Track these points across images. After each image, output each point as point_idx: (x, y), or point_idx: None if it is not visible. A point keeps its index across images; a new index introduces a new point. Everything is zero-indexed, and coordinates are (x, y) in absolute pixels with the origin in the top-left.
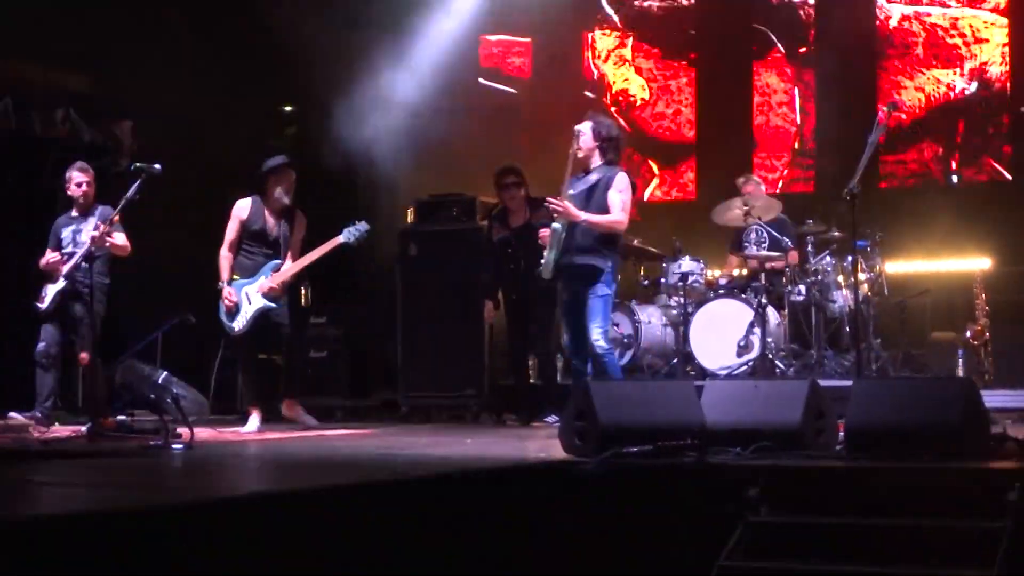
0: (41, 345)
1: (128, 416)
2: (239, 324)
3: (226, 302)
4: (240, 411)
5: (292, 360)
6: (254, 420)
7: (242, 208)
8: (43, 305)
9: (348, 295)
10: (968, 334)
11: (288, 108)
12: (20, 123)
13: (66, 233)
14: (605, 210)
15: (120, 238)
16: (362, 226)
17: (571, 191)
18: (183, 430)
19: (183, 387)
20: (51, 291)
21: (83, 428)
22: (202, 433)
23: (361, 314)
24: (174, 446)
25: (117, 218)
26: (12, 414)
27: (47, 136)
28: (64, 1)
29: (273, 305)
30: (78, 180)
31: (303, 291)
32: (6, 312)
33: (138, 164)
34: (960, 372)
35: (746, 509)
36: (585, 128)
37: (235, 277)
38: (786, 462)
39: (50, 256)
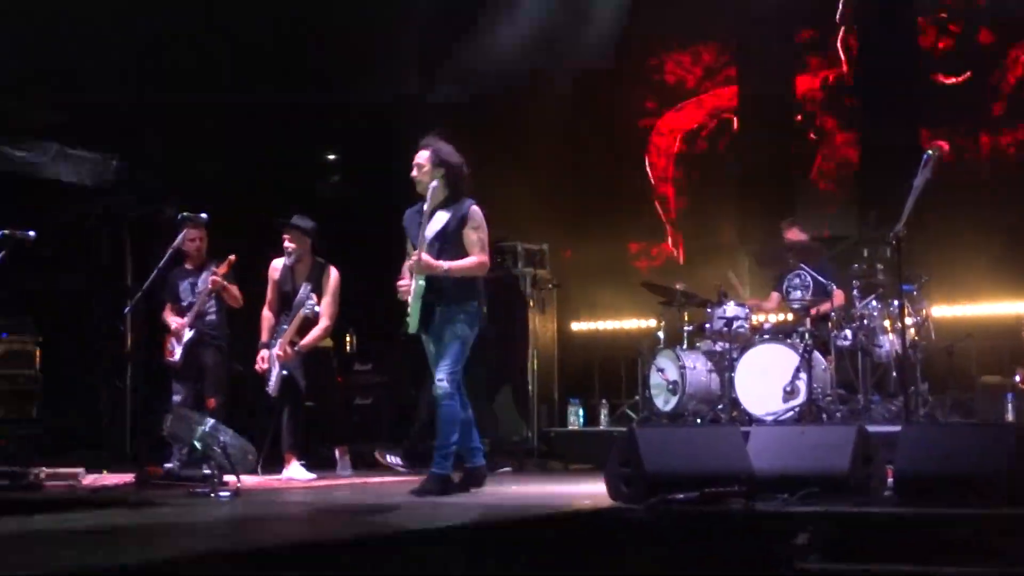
0: (176, 398)
1: (179, 464)
2: (271, 388)
3: (257, 366)
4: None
5: (294, 418)
6: (295, 467)
7: (274, 268)
8: (174, 359)
9: (393, 341)
10: (1017, 378)
11: (332, 156)
12: (69, 173)
13: (184, 286)
14: (463, 251)
15: (233, 289)
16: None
17: (426, 236)
18: (230, 478)
19: (230, 435)
20: (180, 344)
21: (131, 476)
22: (248, 481)
23: (406, 360)
24: (221, 494)
25: (233, 258)
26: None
27: (94, 186)
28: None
29: (285, 372)
30: (191, 236)
31: (348, 338)
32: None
33: (185, 213)
34: (1009, 416)
35: (794, 556)
36: (422, 158)
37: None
38: (834, 509)
39: (173, 320)
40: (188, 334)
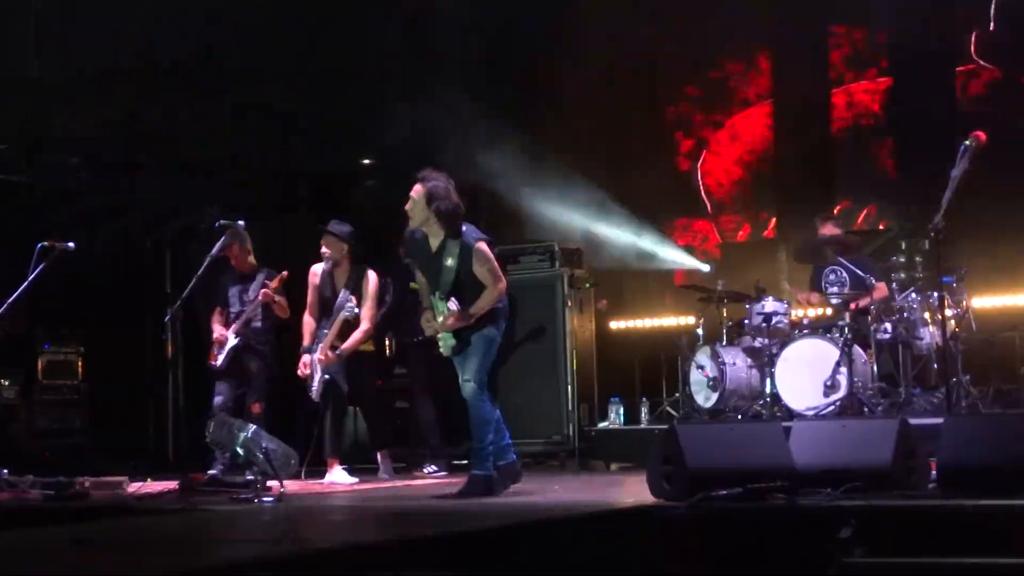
0: (218, 399)
1: (222, 469)
2: (314, 393)
3: (300, 371)
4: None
5: (336, 422)
6: (338, 471)
7: (314, 274)
8: (217, 363)
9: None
10: None
11: (367, 161)
12: (106, 187)
13: (232, 292)
14: (478, 285)
15: (282, 300)
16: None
17: (450, 306)
18: (273, 483)
19: (272, 440)
20: (225, 349)
21: (175, 484)
22: (292, 486)
23: (445, 363)
24: (264, 499)
25: (285, 274)
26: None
27: (133, 197)
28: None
29: (327, 377)
30: (233, 249)
31: (387, 342)
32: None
33: (223, 221)
34: None
35: (838, 551)
36: (415, 192)
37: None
38: (878, 502)
39: (218, 328)
40: (233, 341)
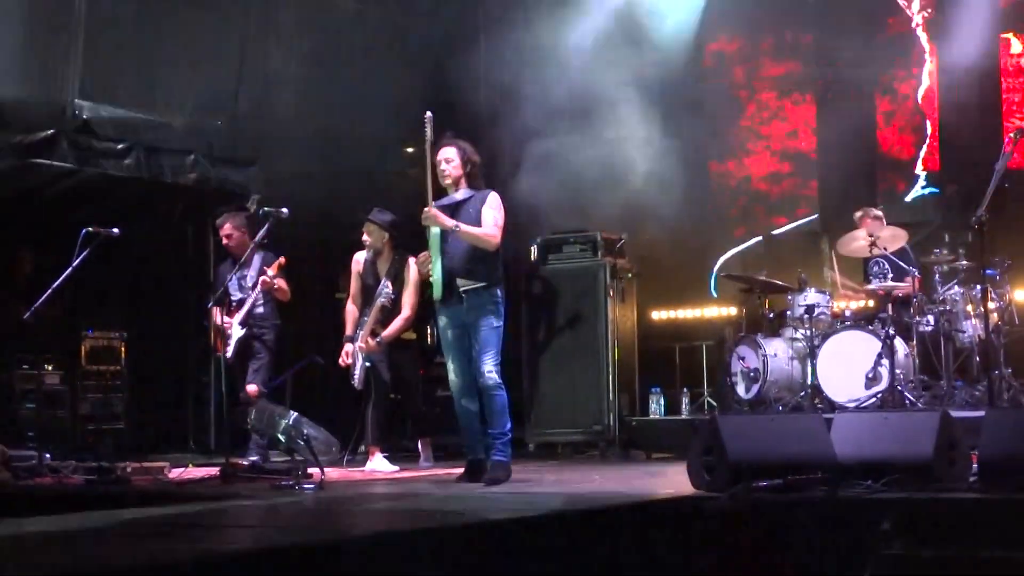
0: (242, 394)
1: (262, 457)
2: (356, 381)
3: (341, 360)
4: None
5: (377, 410)
6: (379, 459)
7: (356, 262)
8: (228, 355)
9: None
10: None
11: (411, 149)
12: (151, 171)
13: (231, 279)
14: (477, 225)
15: (282, 284)
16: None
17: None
18: (314, 470)
19: (314, 427)
20: (233, 340)
21: (216, 470)
22: (332, 473)
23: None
24: (305, 486)
25: (283, 260)
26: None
27: (177, 183)
28: (189, 48)
29: (368, 364)
30: (224, 232)
31: (429, 331)
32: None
33: (266, 208)
34: None
35: (879, 543)
36: (451, 154)
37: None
38: (919, 495)
39: (221, 321)
40: (239, 331)
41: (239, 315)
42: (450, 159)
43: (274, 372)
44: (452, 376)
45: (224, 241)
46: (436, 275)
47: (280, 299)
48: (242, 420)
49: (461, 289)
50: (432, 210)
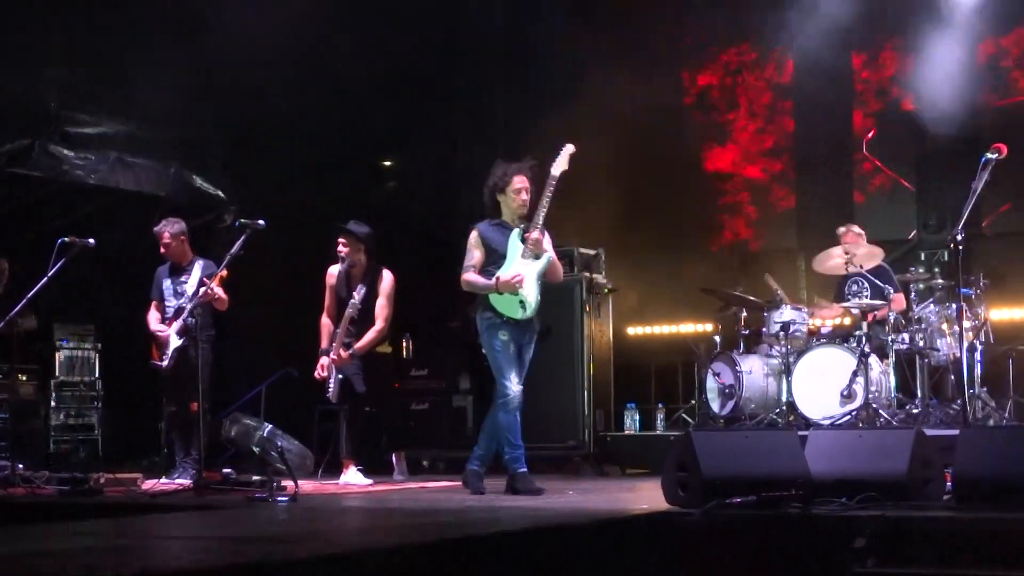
0: (172, 408)
1: (234, 469)
2: (331, 394)
3: (316, 373)
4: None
5: (352, 423)
6: (353, 472)
7: (331, 275)
8: (163, 364)
9: (449, 347)
10: None
11: (387, 163)
12: (126, 181)
13: (167, 285)
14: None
15: (223, 296)
16: None
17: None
18: (288, 483)
19: (288, 440)
20: (170, 349)
21: (190, 482)
22: (306, 486)
23: (462, 366)
24: (279, 499)
25: (225, 273)
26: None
27: (153, 193)
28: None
29: (340, 377)
30: (164, 240)
31: (404, 344)
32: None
33: (243, 220)
34: None
35: (852, 560)
36: (527, 182)
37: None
38: (893, 513)
39: (158, 328)
40: (177, 341)
41: (176, 324)
42: (529, 190)
43: (235, 384)
44: (516, 388)
45: (162, 250)
46: (529, 297)
47: (218, 308)
48: (218, 432)
49: (534, 314)
50: (540, 235)
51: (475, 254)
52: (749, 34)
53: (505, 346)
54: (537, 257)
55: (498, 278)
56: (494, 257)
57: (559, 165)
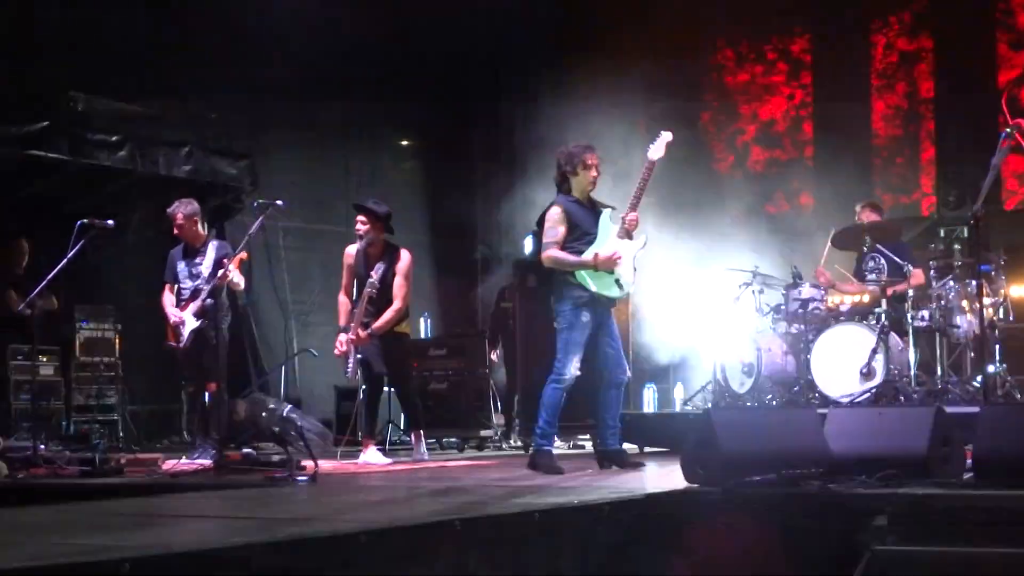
0: (190, 388)
1: (254, 449)
2: (349, 373)
3: (335, 350)
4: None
5: (371, 402)
6: (372, 452)
7: (348, 254)
8: (180, 344)
9: (468, 326)
10: None
11: (406, 143)
12: (145, 165)
13: (181, 267)
14: None
15: (237, 276)
16: None
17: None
18: (307, 462)
19: (307, 420)
20: (186, 331)
21: (210, 462)
22: (326, 465)
23: (480, 345)
24: (299, 478)
25: (245, 255)
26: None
27: (171, 175)
28: (185, 41)
29: (359, 356)
30: (177, 221)
31: (423, 323)
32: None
33: (261, 200)
34: None
35: (872, 538)
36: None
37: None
38: (913, 490)
39: (173, 311)
40: (194, 323)
41: (193, 306)
42: (599, 168)
43: (256, 363)
44: (574, 372)
45: (175, 231)
46: (626, 276)
47: (233, 290)
48: (233, 412)
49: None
50: (637, 216)
51: (560, 230)
52: None
53: (586, 327)
54: (631, 238)
55: (597, 255)
56: (577, 233)
57: (656, 150)
